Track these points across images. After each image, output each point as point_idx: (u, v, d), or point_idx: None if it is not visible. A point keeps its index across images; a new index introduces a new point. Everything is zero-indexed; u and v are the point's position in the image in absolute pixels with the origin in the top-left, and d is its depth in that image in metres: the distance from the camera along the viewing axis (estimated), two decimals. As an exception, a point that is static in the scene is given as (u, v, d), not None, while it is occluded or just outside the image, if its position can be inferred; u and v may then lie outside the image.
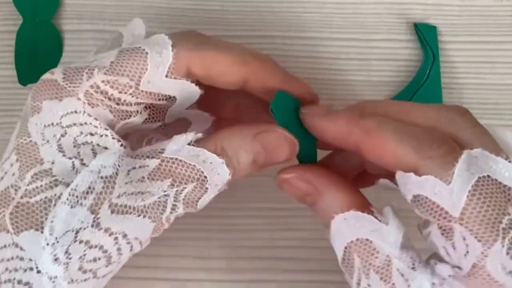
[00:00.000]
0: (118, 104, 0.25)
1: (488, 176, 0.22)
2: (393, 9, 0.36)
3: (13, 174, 0.24)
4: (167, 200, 0.25)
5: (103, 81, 0.25)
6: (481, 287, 0.22)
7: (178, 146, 0.25)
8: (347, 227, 0.25)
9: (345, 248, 0.25)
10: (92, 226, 0.23)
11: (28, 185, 0.24)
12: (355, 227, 0.24)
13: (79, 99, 0.25)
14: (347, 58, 0.36)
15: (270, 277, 0.34)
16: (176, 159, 0.25)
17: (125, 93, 0.25)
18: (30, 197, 0.24)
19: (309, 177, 0.26)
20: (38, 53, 0.35)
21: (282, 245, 0.35)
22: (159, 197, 0.24)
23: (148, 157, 0.24)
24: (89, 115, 0.25)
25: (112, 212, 0.24)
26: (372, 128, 0.24)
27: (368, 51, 0.36)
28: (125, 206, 0.24)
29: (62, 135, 0.24)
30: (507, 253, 0.21)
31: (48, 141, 0.24)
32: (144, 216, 0.24)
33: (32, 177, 0.24)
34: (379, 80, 0.36)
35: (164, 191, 0.25)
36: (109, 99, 0.25)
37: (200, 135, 0.26)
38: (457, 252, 0.22)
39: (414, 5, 0.36)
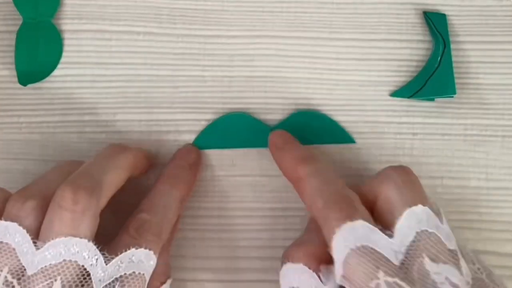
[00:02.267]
0: None
1: (362, 246, 0.26)
2: (393, 9, 0.36)
3: None
4: None
5: None
6: None
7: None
8: (293, 275, 0.28)
9: None
10: None
11: None
12: (300, 278, 0.28)
13: None
14: (347, 58, 0.36)
15: (270, 277, 0.34)
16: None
17: None
18: None
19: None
20: (38, 53, 0.35)
21: (282, 245, 0.35)
22: None
23: None
24: None
25: None
26: (301, 177, 0.30)
27: (368, 51, 0.36)
28: None
29: None
30: None
31: None
32: None
33: None
34: (379, 80, 0.36)
35: None
36: None
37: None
38: None
39: (414, 6, 0.36)
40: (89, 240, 0.27)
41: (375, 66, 0.36)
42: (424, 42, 0.36)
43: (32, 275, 0.26)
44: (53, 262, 0.26)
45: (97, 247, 0.27)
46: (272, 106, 0.36)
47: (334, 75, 0.36)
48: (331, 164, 0.35)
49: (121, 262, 0.27)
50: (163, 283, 0.31)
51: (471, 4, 0.36)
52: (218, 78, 0.36)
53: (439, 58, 0.35)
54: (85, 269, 0.27)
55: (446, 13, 0.36)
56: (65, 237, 0.26)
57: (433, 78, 0.35)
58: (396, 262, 0.26)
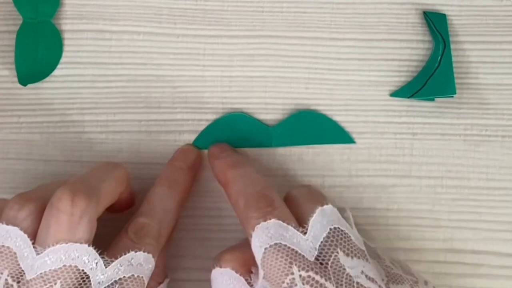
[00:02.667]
0: None
1: (276, 244, 0.27)
2: (393, 9, 0.36)
3: None
4: None
5: None
6: None
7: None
8: (221, 280, 0.29)
9: None
10: None
11: None
12: (227, 282, 0.29)
13: None
14: (347, 58, 0.36)
15: (270, 277, 0.34)
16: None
17: None
18: None
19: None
20: (38, 53, 0.35)
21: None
22: None
23: None
24: None
25: None
26: (229, 180, 0.31)
27: (368, 51, 0.36)
28: None
29: None
30: None
31: None
32: None
33: None
34: (379, 80, 0.36)
35: None
36: None
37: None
38: None
39: (414, 6, 0.36)
40: (88, 245, 0.27)
41: (375, 66, 0.36)
42: (424, 42, 0.36)
43: (31, 279, 0.26)
44: (53, 268, 0.26)
45: (97, 251, 0.27)
46: (272, 106, 0.36)
47: (334, 75, 0.36)
48: (259, 169, 0.34)
49: (120, 265, 0.27)
50: (160, 283, 0.31)
51: (471, 4, 0.36)
52: (218, 78, 0.36)
53: (439, 58, 0.35)
54: (84, 272, 0.27)
55: (446, 13, 0.36)
56: (65, 242, 0.26)
57: (433, 78, 0.35)
58: (311, 258, 0.27)
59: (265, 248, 0.27)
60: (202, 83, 0.36)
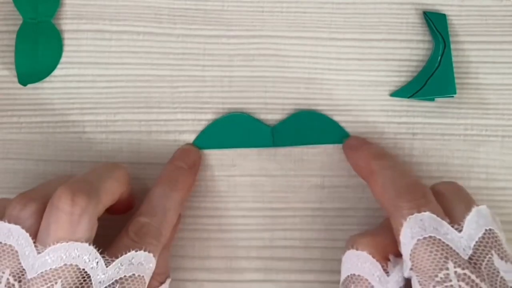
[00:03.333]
0: None
1: (430, 237, 0.26)
2: (393, 9, 0.36)
3: None
4: None
5: None
6: None
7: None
8: (356, 262, 0.28)
9: (347, 276, 0.29)
10: None
11: None
12: (363, 266, 0.28)
13: None
14: (347, 58, 0.36)
15: (270, 277, 0.34)
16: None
17: None
18: None
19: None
20: (38, 53, 0.35)
21: (282, 245, 0.35)
22: None
23: None
24: None
25: None
26: (374, 171, 0.30)
27: (368, 51, 0.36)
28: None
29: None
30: None
31: None
32: None
33: None
34: (379, 80, 0.36)
35: None
36: None
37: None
38: None
39: (414, 6, 0.36)
40: (89, 244, 0.27)
41: (375, 66, 0.36)
42: (424, 42, 0.36)
43: (32, 279, 0.26)
44: (53, 267, 0.26)
45: (97, 250, 0.27)
46: (272, 106, 0.36)
47: (334, 75, 0.36)
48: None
49: (121, 265, 0.27)
50: (162, 283, 0.31)
51: (471, 4, 0.36)
52: (218, 78, 0.36)
53: (439, 58, 0.35)
54: (85, 271, 0.27)
55: (446, 13, 0.36)
56: (65, 241, 0.26)
57: (433, 78, 0.35)
58: (465, 256, 0.26)
59: (418, 239, 0.26)
60: (202, 83, 0.36)
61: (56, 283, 0.26)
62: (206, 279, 0.34)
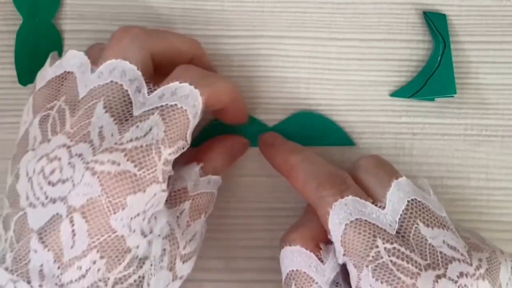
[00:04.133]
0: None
1: (357, 219, 0.27)
2: (393, 9, 0.36)
3: (99, 270, 0.25)
4: (204, 228, 0.31)
5: (169, 154, 0.26)
6: None
7: (195, 181, 0.29)
8: (291, 258, 0.29)
9: (287, 274, 0.29)
10: (172, 280, 0.28)
11: (118, 274, 0.25)
12: (298, 259, 0.29)
13: (159, 182, 0.26)
14: (347, 58, 0.36)
15: (270, 277, 0.34)
16: (199, 194, 0.29)
17: (180, 152, 0.27)
18: (122, 283, 0.25)
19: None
20: (38, 53, 0.35)
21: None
22: (201, 230, 0.30)
23: (180, 201, 0.28)
24: (163, 190, 0.26)
25: (184, 262, 0.28)
26: (293, 165, 0.30)
27: (368, 51, 0.36)
28: (189, 253, 0.29)
29: (143, 219, 0.26)
30: (373, 277, 0.26)
31: (134, 230, 0.25)
32: (197, 252, 0.30)
33: (124, 268, 0.25)
34: (379, 80, 0.36)
35: (202, 226, 0.30)
36: (169, 164, 0.27)
37: (201, 164, 0.30)
38: (351, 280, 0.28)
39: (414, 6, 0.36)
40: (137, 69, 0.27)
41: (375, 66, 0.36)
42: (424, 42, 0.36)
43: (81, 98, 0.27)
44: (100, 83, 0.27)
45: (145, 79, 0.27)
46: (272, 106, 0.36)
47: (334, 75, 0.36)
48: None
49: (163, 94, 0.27)
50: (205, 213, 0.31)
51: (471, 4, 0.36)
52: (218, 78, 0.36)
53: (439, 58, 0.35)
54: (128, 95, 0.27)
55: (446, 13, 0.36)
56: (116, 59, 0.27)
57: (433, 78, 0.35)
58: (392, 232, 0.27)
59: (346, 224, 0.27)
60: (202, 83, 0.36)
61: (99, 101, 0.26)
62: (206, 279, 0.34)
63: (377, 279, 0.26)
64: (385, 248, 0.26)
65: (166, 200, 0.28)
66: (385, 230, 0.27)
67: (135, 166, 0.25)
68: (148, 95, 0.27)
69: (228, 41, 0.36)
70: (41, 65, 0.35)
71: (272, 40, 0.36)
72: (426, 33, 0.36)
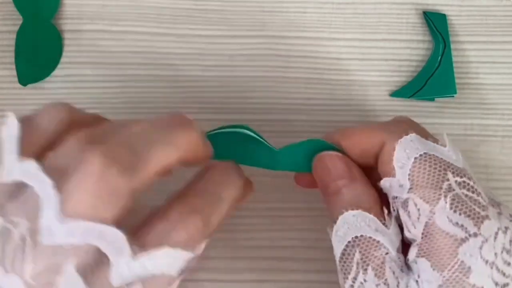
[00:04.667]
0: None
1: (425, 153, 0.27)
2: (393, 9, 0.36)
3: None
4: None
5: None
6: (436, 243, 0.25)
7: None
8: (354, 223, 0.27)
9: (348, 242, 0.27)
10: None
11: None
12: (361, 225, 0.27)
13: None
14: (347, 58, 0.36)
15: (270, 277, 0.34)
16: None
17: None
18: None
19: (348, 162, 0.29)
20: (38, 53, 0.35)
21: (282, 245, 0.35)
22: None
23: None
24: None
25: None
26: (349, 129, 0.30)
27: (368, 51, 0.36)
28: None
29: None
30: (450, 208, 0.25)
31: None
32: None
33: None
34: (379, 80, 0.36)
35: None
36: None
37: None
38: (411, 219, 0.26)
39: (414, 6, 0.36)
40: (115, 227, 0.22)
41: (375, 66, 0.36)
42: (424, 42, 0.36)
43: (45, 247, 0.22)
44: (71, 242, 0.22)
45: (126, 232, 0.22)
46: (272, 106, 0.36)
47: (334, 75, 0.36)
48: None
49: (150, 261, 0.23)
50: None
51: (471, 4, 0.36)
52: (218, 78, 0.36)
53: (439, 58, 0.35)
54: (106, 256, 0.22)
55: (446, 13, 0.36)
56: (87, 219, 0.22)
57: (433, 78, 0.35)
58: (459, 165, 0.27)
59: (415, 158, 0.27)
60: (202, 83, 0.36)
61: (69, 261, 0.22)
62: (206, 279, 0.34)
63: (455, 211, 0.25)
64: (456, 181, 0.26)
65: None
66: (452, 164, 0.27)
67: None
68: (132, 258, 0.22)
69: (228, 41, 0.36)
70: (41, 65, 0.35)
71: (272, 40, 0.36)
72: (426, 33, 0.36)
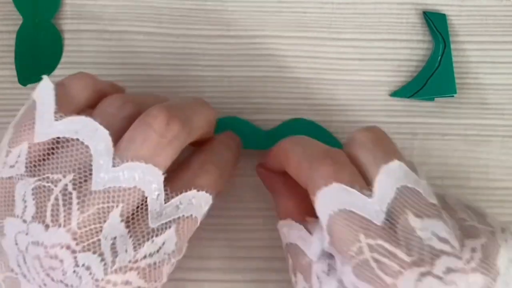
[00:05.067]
0: None
1: (340, 209, 0.25)
2: (393, 9, 0.36)
3: None
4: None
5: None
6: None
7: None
8: (283, 232, 0.29)
9: (284, 247, 0.29)
10: None
11: None
12: (289, 232, 0.29)
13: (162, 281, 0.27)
14: (347, 58, 0.36)
15: (270, 277, 0.34)
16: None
17: None
18: None
19: (268, 179, 0.32)
20: (38, 53, 0.35)
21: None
22: None
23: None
24: None
25: None
26: (286, 149, 0.29)
27: (368, 51, 0.36)
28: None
29: None
30: (354, 273, 0.24)
31: None
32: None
33: None
34: (379, 80, 0.36)
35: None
36: None
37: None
38: (336, 269, 0.26)
39: (414, 6, 0.36)
40: (163, 173, 0.25)
41: (375, 66, 0.36)
42: (424, 42, 0.36)
43: (95, 191, 0.24)
44: (123, 185, 0.24)
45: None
46: (272, 106, 0.36)
47: (334, 75, 0.36)
48: None
49: (181, 203, 0.26)
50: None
51: (471, 4, 0.36)
52: (218, 78, 0.36)
53: (439, 58, 0.35)
54: (146, 202, 0.25)
55: (446, 13, 0.36)
56: (145, 161, 0.24)
57: (433, 78, 0.35)
58: (378, 223, 0.25)
59: (329, 215, 0.25)
60: (202, 83, 0.36)
61: (117, 206, 0.24)
62: (206, 279, 0.34)
63: (357, 276, 0.24)
64: (367, 244, 0.24)
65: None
66: (371, 222, 0.25)
67: (145, 281, 0.25)
68: (165, 202, 0.25)
69: (228, 41, 0.36)
70: (41, 65, 0.35)
71: (272, 40, 0.36)
72: (426, 33, 0.36)
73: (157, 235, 0.25)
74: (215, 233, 0.35)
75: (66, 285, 0.24)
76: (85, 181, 0.24)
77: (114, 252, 0.24)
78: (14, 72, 0.35)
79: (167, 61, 0.36)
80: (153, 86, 0.36)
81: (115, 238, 0.24)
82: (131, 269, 0.24)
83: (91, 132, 0.25)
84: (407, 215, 0.25)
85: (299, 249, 0.28)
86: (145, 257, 0.25)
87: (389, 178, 0.25)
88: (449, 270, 0.24)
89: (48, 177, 0.24)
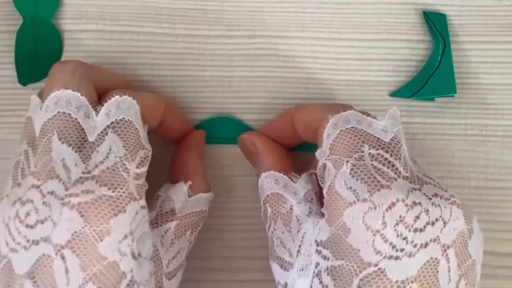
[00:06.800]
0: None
1: (352, 127, 0.27)
2: (393, 9, 0.36)
3: None
4: (190, 243, 0.31)
5: (137, 167, 0.27)
6: (331, 203, 0.27)
7: (183, 202, 0.30)
8: (266, 183, 0.31)
9: (263, 200, 0.31)
10: None
11: None
12: (271, 184, 0.31)
13: (136, 199, 0.26)
14: (347, 58, 0.36)
15: (270, 277, 0.34)
16: (187, 214, 0.30)
17: (146, 163, 0.28)
18: None
19: (255, 141, 0.33)
20: (38, 53, 0.35)
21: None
22: (186, 246, 0.31)
23: (167, 221, 0.29)
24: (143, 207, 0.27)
25: (170, 279, 0.29)
26: (301, 106, 0.32)
27: (368, 51, 0.36)
28: (174, 269, 0.29)
29: (133, 240, 0.26)
30: (349, 173, 0.26)
31: (125, 254, 0.25)
32: (183, 267, 0.31)
33: None
34: (379, 80, 0.36)
35: (189, 241, 0.31)
36: (140, 178, 0.27)
37: (189, 182, 0.31)
38: (324, 181, 0.28)
39: (414, 6, 0.36)
40: (81, 95, 0.27)
41: (375, 66, 0.36)
42: (424, 42, 0.36)
43: (37, 136, 0.27)
44: (49, 116, 0.27)
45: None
46: (272, 106, 0.36)
47: (334, 75, 0.36)
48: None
49: (109, 110, 0.27)
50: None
51: (471, 4, 0.36)
52: (218, 78, 0.36)
53: (439, 58, 0.35)
54: (78, 122, 0.27)
55: (446, 13, 0.36)
56: (58, 90, 0.27)
57: (433, 78, 0.35)
58: (385, 139, 0.27)
59: (341, 130, 0.27)
60: (202, 83, 0.36)
61: (52, 134, 0.26)
62: (206, 279, 0.34)
63: (353, 176, 0.26)
64: (369, 153, 0.26)
65: (154, 222, 0.29)
66: (378, 138, 0.27)
67: (109, 188, 0.25)
68: (96, 116, 0.27)
69: (228, 41, 0.36)
70: (41, 65, 0.35)
71: (272, 40, 0.36)
72: (426, 33, 0.36)
73: (99, 145, 0.26)
74: (215, 233, 0.35)
75: (42, 221, 0.25)
76: (33, 137, 0.27)
77: (67, 170, 0.26)
78: (14, 72, 0.35)
79: (167, 61, 0.36)
80: (153, 86, 0.36)
81: (63, 159, 0.26)
82: (87, 178, 0.25)
83: (31, 105, 0.28)
84: (404, 147, 0.28)
85: (281, 197, 0.30)
86: (96, 165, 0.26)
87: (393, 118, 0.28)
88: (436, 195, 0.26)
89: (17, 154, 0.28)
